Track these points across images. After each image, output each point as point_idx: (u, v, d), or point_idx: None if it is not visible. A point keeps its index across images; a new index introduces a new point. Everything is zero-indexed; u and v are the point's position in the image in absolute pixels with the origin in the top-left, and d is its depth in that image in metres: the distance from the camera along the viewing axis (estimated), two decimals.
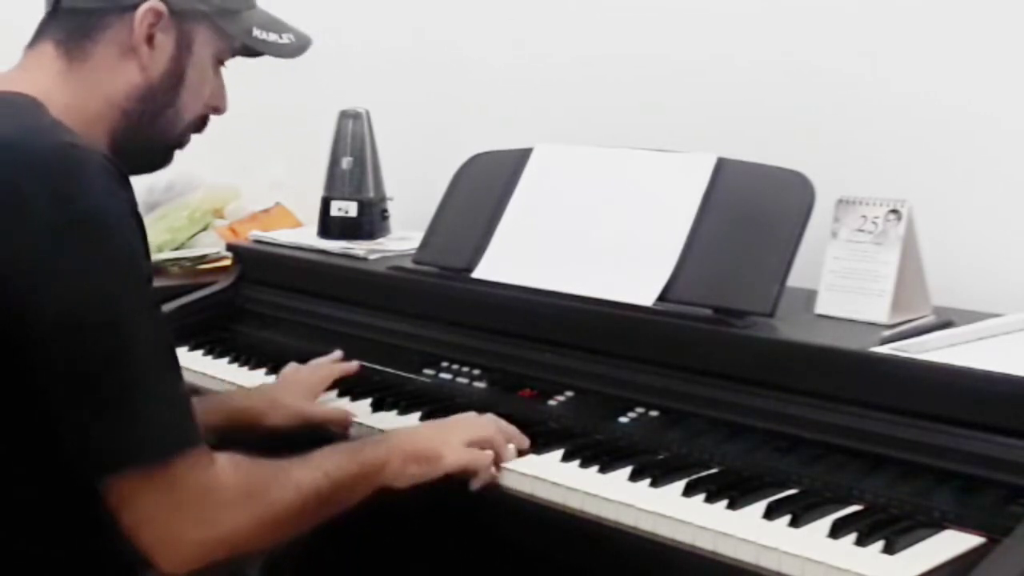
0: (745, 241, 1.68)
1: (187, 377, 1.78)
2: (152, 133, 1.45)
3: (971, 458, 1.37)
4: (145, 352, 1.24)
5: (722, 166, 1.77)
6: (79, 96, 1.39)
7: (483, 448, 1.52)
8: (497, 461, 1.52)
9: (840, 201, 1.76)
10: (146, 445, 1.24)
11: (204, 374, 2.03)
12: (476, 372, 1.85)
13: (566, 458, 1.55)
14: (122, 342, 1.22)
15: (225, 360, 2.11)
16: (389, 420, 1.74)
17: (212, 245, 2.73)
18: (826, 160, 1.85)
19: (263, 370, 2.02)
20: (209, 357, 2.12)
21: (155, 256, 2.60)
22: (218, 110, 1.52)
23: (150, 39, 1.42)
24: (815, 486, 1.44)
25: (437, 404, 1.77)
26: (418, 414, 1.74)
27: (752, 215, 1.69)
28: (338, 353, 1.91)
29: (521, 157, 1.95)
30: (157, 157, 1.51)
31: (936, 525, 1.34)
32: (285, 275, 2.28)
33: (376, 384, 1.90)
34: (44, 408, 1.24)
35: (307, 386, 1.81)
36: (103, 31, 1.41)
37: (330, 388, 1.87)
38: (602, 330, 1.73)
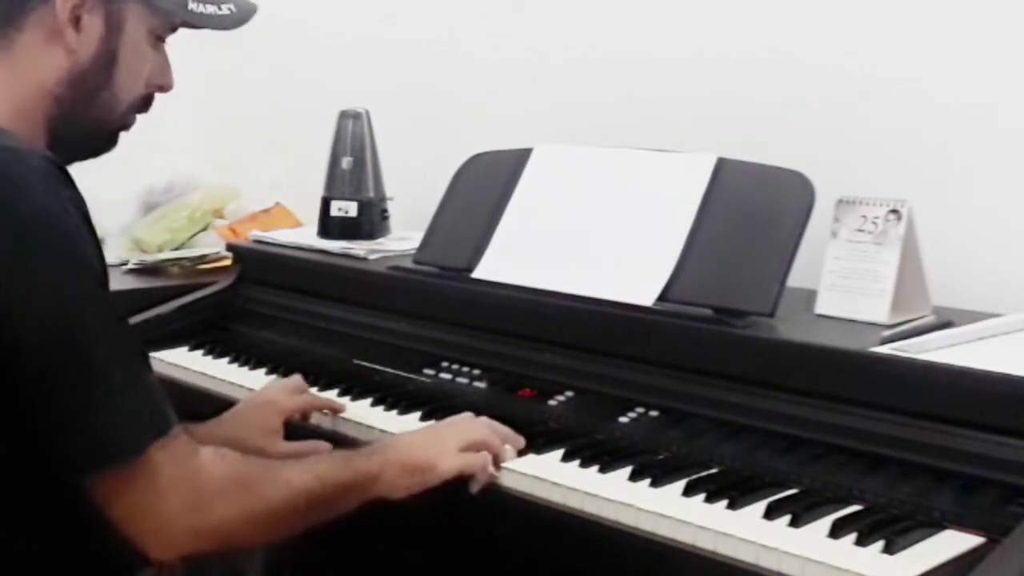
0: (745, 241, 1.68)
1: (187, 377, 2.00)
2: (89, 117, 1.42)
3: (971, 458, 1.36)
4: (103, 347, 1.23)
5: (722, 166, 1.77)
6: (10, 86, 1.36)
7: (478, 451, 1.51)
8: (495, 462, 1.51)
9: (840, 201, 1.76)
10: (120, 441, 1.24)
11: (204, 374, 2.02)
12: (476, 372, 1.84)
13: (566, 458, 1.54)
14: (77, 340, 1.21)
15: (225, 360, 2.10)
16: (389, 420, 1.74)
17: (212, 245, 2.72)
18: (826, 160, 1.84)
19: (263, 370, 2.02)
20: (209, 357, 2.11)
21: (155, 256, 2.66)
22: (163, 88, 1.48)
23: (76, 21, 1.38)
24: (815, 486, 1.43)
25: (437, 404, 1.76)
26: (418, 414, 1.73)
27: (752, 215, 1.69)
28: (296, 378, 1.83)
29: (521, 157, 1.94)
30: (99, 141, 1.47)
31: (936, 525, 1.33)
32: (285, 275, 2.26)
33: (376, 384, 1.89)
34: (23, 412, 1.23)
35: (266, 424, 1.72)
36: (26, 17, 1.37)
37: (330, 387, 1.85)
38: (602, 330, 1.72)
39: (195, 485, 1.28)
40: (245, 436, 1.64)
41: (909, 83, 1.96)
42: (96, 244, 1.28)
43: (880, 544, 1.29)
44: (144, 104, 1.48)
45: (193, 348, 2.16)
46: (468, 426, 1.55)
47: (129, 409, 1.25)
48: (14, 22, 1.37)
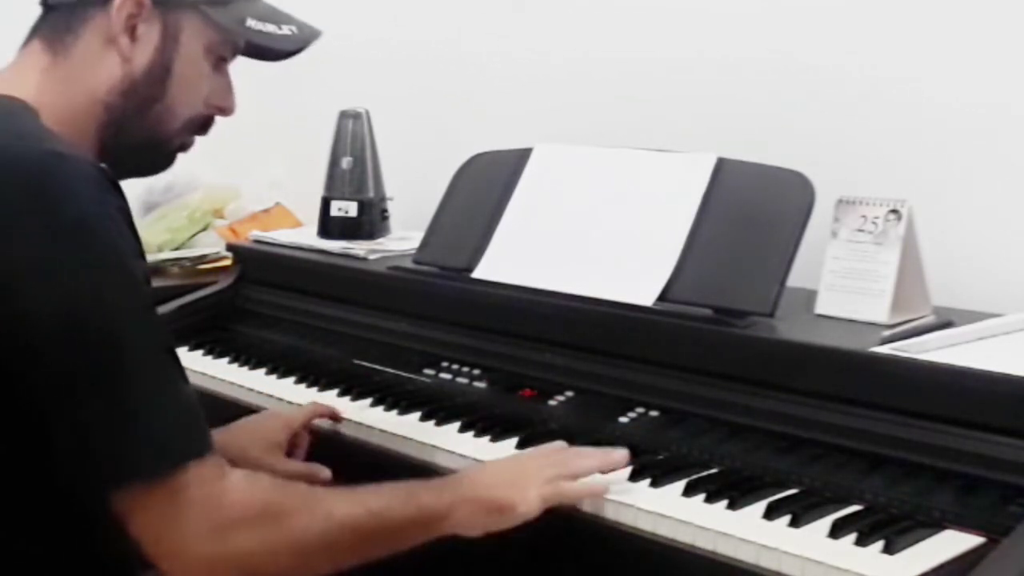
0: (745, 241, 1.68)
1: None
2: (141, 130, 1.39)
3: (971, 458, 1.36)
4: (142, 358, 1.21)
5: (722, 166, 1.77)
6: (64, 93, 1.35)
7: (565, 481, 1.43)
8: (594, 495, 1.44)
9: (840, 201, 1.75)
10: (147, 457, 1.21)
11: (204, 374, 2.02)
12: (476, 372, 1.84)
13: None
14: (116, 348, 1.19)
15: (225, 360, 2.09)
16: (389, 420, 1.74)
17: (212, 245, 2.72)
18: (826, 160, 1.84)
19: (263, 370, 2.02)
20: (209, 357, 2.11)
21: (154, 256, 2.63)
22: (223, 111, 1.46)
23: (132, 30, 1.36)
24: (815, 486, 1.43)
25: (437, 404, 1.76)
26: (418, 414, 1.73)
27: (752, 215, 1.69)
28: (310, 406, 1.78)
29: (521, 157, 1.94)
30: (151, 157, 1.44)
31: (936, 525, 1.33)
32: (285, 275, 2.26)
33: (376, 384, 1.89)
34: (41, 419, 1.21)
35: (269, 437, 1.69)
36: (84, 24, 1.36)
37: (329, 387, 1.86)
38: (602, 330, 1.72)
39: (217, 510, 1.24)
40: (248, 446, 1.62)
41: (909, 83, 1.96)
42: (140, 253, 1.27)
43: (880, 544, 1.28)
44: (203, 125, 1.45)
45: (193, 348, 2.15)
46: (557, 460, 1.46)
47: (162, 424, 1.22)
48: (73, 29, 1.36)
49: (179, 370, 1.26)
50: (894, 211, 1.72)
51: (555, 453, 1.48)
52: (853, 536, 1.30)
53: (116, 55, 1.36)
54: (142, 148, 1.41)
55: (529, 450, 1.51)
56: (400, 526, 1.33)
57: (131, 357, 1.20)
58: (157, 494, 1.21)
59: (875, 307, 1.70)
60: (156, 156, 1.45)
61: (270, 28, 1.46)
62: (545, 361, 1.78)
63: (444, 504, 1.35)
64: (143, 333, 1.22)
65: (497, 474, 1.42)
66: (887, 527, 1.32)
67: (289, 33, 1.48)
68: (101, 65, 1.36)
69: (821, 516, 1.36)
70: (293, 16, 1.51)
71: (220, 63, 1.46)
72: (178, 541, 1.22)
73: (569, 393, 1.72)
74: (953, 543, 1.30)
